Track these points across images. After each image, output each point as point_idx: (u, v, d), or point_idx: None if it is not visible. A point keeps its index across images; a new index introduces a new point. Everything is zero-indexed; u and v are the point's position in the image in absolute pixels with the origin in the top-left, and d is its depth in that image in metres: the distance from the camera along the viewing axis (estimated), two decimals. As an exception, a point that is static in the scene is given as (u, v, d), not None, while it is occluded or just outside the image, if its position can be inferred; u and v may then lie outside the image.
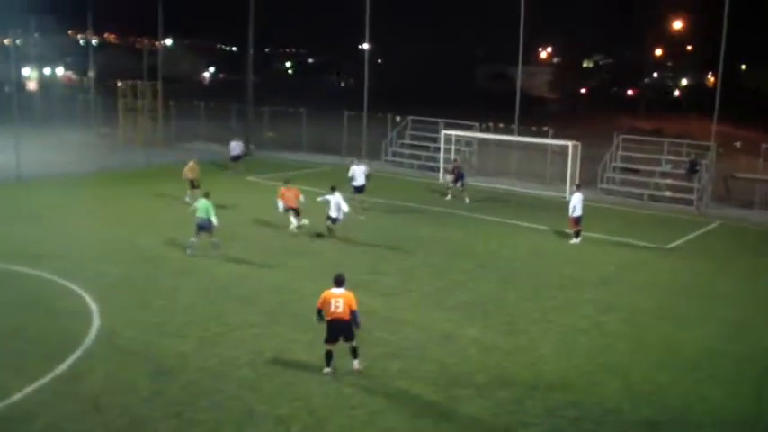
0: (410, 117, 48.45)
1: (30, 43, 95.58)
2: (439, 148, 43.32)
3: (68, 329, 18.35)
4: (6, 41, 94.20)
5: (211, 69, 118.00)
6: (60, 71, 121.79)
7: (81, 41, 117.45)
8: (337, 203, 26.97)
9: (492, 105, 58.09)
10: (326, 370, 16.15)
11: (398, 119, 48.53)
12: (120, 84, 57.62)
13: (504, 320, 19.97)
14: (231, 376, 16.13)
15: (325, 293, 16.08)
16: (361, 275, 22.48)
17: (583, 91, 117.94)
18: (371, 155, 45.36)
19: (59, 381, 15.79)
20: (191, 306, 20.18)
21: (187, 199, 32.24)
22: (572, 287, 23.03)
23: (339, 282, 16.09)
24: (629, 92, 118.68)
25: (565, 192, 37.23)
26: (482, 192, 38.84)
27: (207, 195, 25.24)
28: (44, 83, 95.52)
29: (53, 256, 24.43)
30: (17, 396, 14.99)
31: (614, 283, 23.66)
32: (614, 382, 16.44)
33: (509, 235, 29.99)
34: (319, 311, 16.18)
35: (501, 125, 46.45)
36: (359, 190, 32.58)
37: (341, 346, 16.19)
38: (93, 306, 19.93)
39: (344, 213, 27.23)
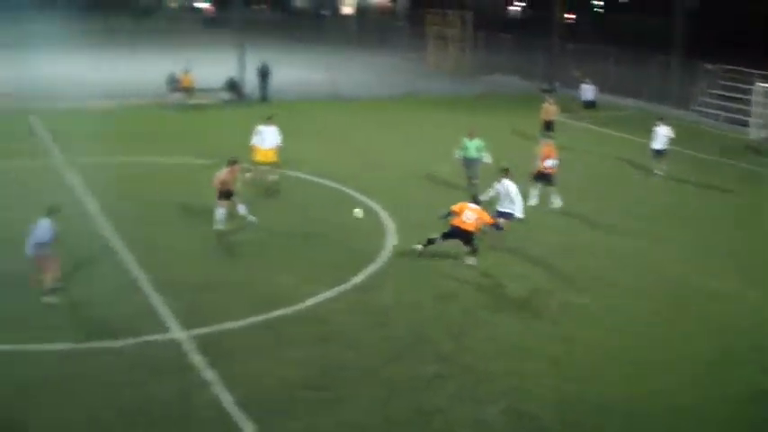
0: (721, 65, 45.12)
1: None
2: (751, 101, 39.92)
3: (364, 244, 19.11)
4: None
5: (521, 3, 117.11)
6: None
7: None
8: (507, 192, 19.38)
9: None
10: (419, 247, 18.17)
11: (710, 66, 45.35)
12: (429, 12, 58.59)
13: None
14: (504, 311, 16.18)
15: (463, 204, 18.06)
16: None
17: None
18: (678, 103, 42.89)
19: (351, 292, 16.59)
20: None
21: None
22: None
23: (476, 201, 18.24)
24: None
25: None
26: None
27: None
28: (360, 8, 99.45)
29: (353, 173, 25.52)
30: (311, 301, 15.92)
31: None
32: None
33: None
34: (450, 213, 17.99)
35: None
36: (658, 153, 30.06)
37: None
38: (390, 224, 20.57)
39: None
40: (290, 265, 17.92)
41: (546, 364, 13.91)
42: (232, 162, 19.89)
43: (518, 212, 19.01)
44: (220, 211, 19.68)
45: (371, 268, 17.75)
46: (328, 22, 45.80)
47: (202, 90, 38.92)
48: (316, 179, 24.81)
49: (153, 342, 14.11)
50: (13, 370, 13.17)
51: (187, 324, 14.72)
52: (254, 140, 23.66)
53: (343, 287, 16.67)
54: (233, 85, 40.87)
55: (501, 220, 18.84)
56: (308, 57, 55.62)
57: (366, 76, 50.61)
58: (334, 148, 29.71)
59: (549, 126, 30.91)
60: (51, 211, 15.40)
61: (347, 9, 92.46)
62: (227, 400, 12.30)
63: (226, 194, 19.74)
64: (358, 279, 17.11)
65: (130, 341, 14.05)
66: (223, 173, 19.71)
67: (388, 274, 17.59)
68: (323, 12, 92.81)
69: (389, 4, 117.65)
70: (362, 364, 13.66)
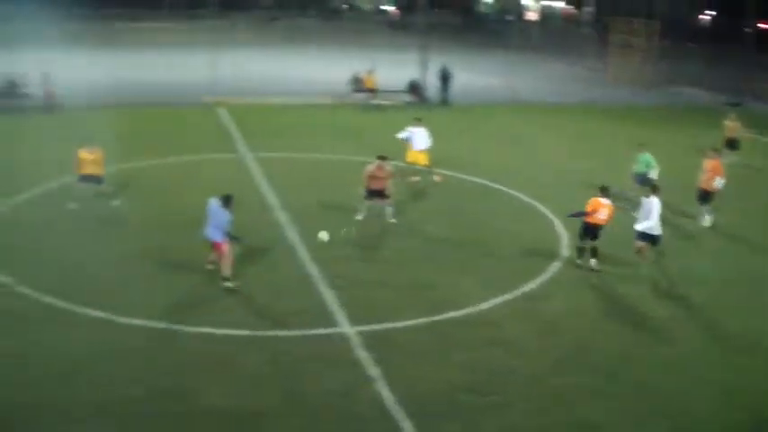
0: None
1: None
2: None
3: (537, 252, 18.93)
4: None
5: (711, 12, 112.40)
6: (560, 4, 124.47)
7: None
8: (649, 209, 17.87)
9: None
10: (579, 262, 18.16)
11: None
12: (615, 20, 57.18)
13: None
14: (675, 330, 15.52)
15: (596, 201, 17.81)
16: None
17: None
18: None
19: (521, 299, 16.50)
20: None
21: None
22: None
23: (606, 193, 17.96)
24: None
25: None
26: None
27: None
28: (544, 14, 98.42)
29: (528, 179, 25.33)
30: (480, 306, 15.95)
31: None
32: None
33: None
34: (584, 213, 17.95)
35: None
36: None
37: None
38: (564, 233, 20.25)
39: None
40: (462, 269, 17.99)
41: (717, 390, 13.38)
42: (381, 158, 20.27)
43: (655, 230, 17.67)
44: (364, 206, 20.46)
45: (543, 277, 17.58)
46: (511, 28, 45.65)
47: (384, 91, 39.67)
48: (490, 184, 24.80)
49: (322, 335, 14.52)
50: (194, 348, 13.88)
51: (356, 320, 15.04)
52: (401, 138, 24.63)
53: (513, 294, 16.61)
54: (414, 88, 41.38)
55: (640, 243, 17.88)
56: (489, 61, 55.58)
57: (546, 82, 50.18)
58: (510, 153, 29.64)
59: (732, 144, 28.90)
60: (226, 200, 16.20)
61: (531, 15, 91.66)
62: (388, 397, 12.50)
63: (373, 193, 20.28)
64: (528, 287, 16.98)
65: (300, 333, 14.50)
66: (371, 168, 20.21)
67: (559, 283, 17.39)
68: (507, 17, 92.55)
69: (574, 11, 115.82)
70: (527, 372, 13.59)
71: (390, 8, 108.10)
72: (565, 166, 27.81)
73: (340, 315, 15.26)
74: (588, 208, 17.97)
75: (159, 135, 30.48)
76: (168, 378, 12.93)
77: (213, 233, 16.14)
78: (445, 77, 41.09)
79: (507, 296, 16.44)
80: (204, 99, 38.01)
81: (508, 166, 27.10)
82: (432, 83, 41.33)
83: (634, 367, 13.91)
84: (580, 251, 18.33)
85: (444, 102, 40.74)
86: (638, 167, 22.84)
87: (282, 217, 20.80)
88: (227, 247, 16.20)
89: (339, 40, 66.30)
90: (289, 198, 22.26)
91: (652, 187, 18.39)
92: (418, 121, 24.70)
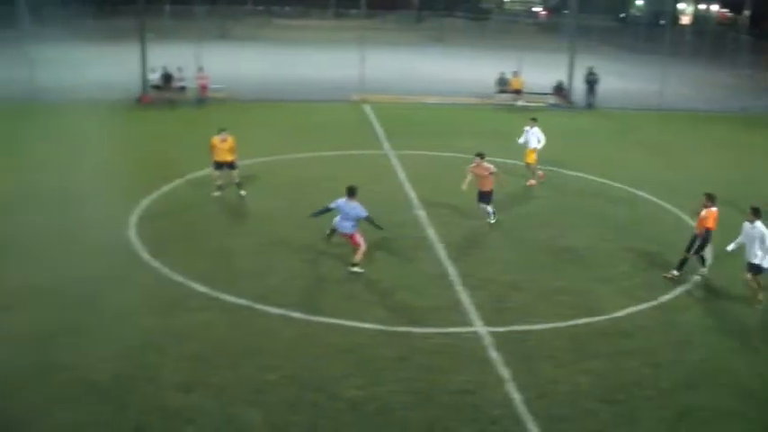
0: None
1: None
2: None
3: (676, 262, 18.54)
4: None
5: None
6: (715, 7, 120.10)
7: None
8: (754, 238, 16.43)
9: None
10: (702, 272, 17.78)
11: None
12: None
13: None
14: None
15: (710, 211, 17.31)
16: None
17: None
18: None
19: (658, 310, 16.27)
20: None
21: None
22: None
23: (712, 201, 17.43)
24: None
25: None
26: None
27: None
28: (697, 18, 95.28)
29: (673, 188, 24.77)
30: (616, 314, 15.85)
31: None
32: None
33: None
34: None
35: None
36: None
37: None
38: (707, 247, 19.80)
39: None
40: (599, 276, 17.89)
41: None
42: (478, 156, 20.60)
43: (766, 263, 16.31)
44: (481, 207, 20.78)
45: (680, 288, 17.30)
46: (664, 32, 44.68)
47: (529, 93, 39.60)
48: (635, 191, 24.47)
49: (455, 333, 14.79)
50: (331, 339, 14.41)
51: (489, 321, 15.25)
52: (520, 141, 24.87)
53: (649, 304, 16.43)
54: (560, 90, 41.09)
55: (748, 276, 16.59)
56: (639, 66, 54.38)
57: (696, 89, 48.81)
58: (655, 161, 29.10)
59: None
60: (351, 191, 17.23)
61: (685, 19, 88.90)
62: (516, 398, 12.65)
63: (482, 195, 20.61)
64: (665, 298, 16.76)
65: (434, 330, 14.83)
66: (472, 166, 20.60)
67: (697, 298, 17.06)
68: (660, 21, 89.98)
69: (730, 15, 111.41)
70: (659, 385, 13.44)
71: (539, 9, 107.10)
72: (710, 175, 27.06)
73: (473, 314, 15.49)
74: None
75: (305, 130, 31.47)
76: (305, 367, 13.46)
77: (343, 226, 17.18)
78: (591, 81, 40.60)
79: (643, 306, 16.27)
80: (351, 96, 38.94)
81: (653, 174, 26.64)
82: (578, 86, 40.93)
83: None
84: (682, 263, 17.83)
85: (590, 105, 40.28)
86: None
87: (422, 214, 21.20)
88: (359, 238, 17.15)
89: (486, 41, 66.29)
90: (429, 196, 22.65)
91: (753, 210, 16.52)
92: (533, 121, 24.84)
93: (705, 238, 17.61)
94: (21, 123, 30.77)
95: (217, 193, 22.01)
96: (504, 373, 13.39)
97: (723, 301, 16.93)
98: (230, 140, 21.83)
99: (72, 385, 12.58)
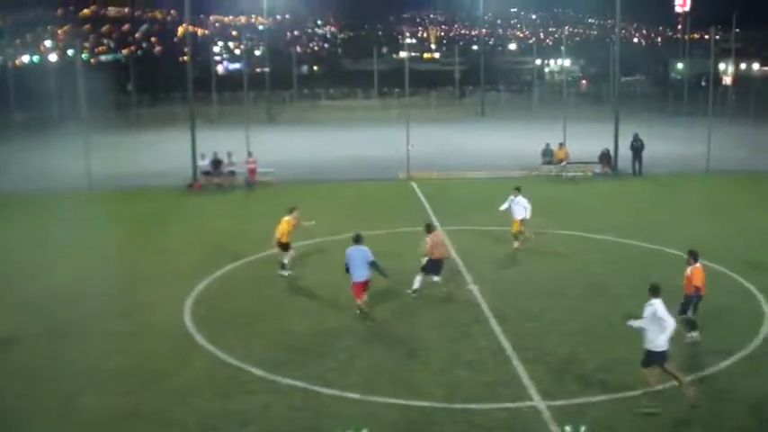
0: None
1: (729, 38, 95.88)
2: None
3: (737, 329, 18.34)
4: (707, 36, 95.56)
5: None
6: (756, 66, 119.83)
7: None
8: None
9: None
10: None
11: None
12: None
13: None
14: None
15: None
16: None
17: None
18: None
19: (718, 377, 15.97)
20: None
21: None
22: None
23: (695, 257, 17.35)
24: None
25: None
26: None
27: None
28: (740, 77, 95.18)
29: (733, 253, 24.45)
30: (670, 384, 15.19)
31: None
32: None
33: None
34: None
35: None
36: None
37: None
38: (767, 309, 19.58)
39: None
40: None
41: None
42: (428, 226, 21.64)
43: None
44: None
45: (739, 354, 16.96)
46: (706, 94, 44.92)
47: (574, 162, 39.74)
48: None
49: (514, 408, 14.68)
50: (390, 418, 14.40)
51: (547, 395, 15.13)
52: (502, 208, 25.55)
53: (709, 371, 16.16)
54: (605, 158, 41.09)
55: None
56: (683, 129, 54.40)
57: (742, 149, 48.67)
58: (706, 224, 28.89)
59: None
60: (357, 238, 18.67)
61: (727, 79, 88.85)
62: (580, 472, 12.50)
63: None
64: (724, 364, 16.43)
65: (493, 405, 14.76)
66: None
67: (759, 362, 16.66)
68: (702, 83, 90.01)
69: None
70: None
71: (579, 76, 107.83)
72: (764, 237, 26.82)
73: (531, 389, 15.40)
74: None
75: (356, 210, 31.91)
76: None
77: (359, 275, 18.23)
78: (637, 147, 40.59)
79: (702, 373, 15.98)
80: (398, 174, 39.44)
81: (705, 238, 26.24)
82: (624, 152, 40.96)
83: None
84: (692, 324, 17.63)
85: (636, 172, 40.22)
86: None
87: (474, 288, 21.26)
88: (365, 285, 18.56)
89: (529, 112, 66.85)
90: (480, 270, 22.73)
91: None
92: (517, 191, 25.37)
93: (697, 297, 17.55)
94: (79, 211, 31.76)
95: (284, 273, 22.57)
96: (565, 447, 13.27)
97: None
98: (290, 222, 22.41)
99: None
